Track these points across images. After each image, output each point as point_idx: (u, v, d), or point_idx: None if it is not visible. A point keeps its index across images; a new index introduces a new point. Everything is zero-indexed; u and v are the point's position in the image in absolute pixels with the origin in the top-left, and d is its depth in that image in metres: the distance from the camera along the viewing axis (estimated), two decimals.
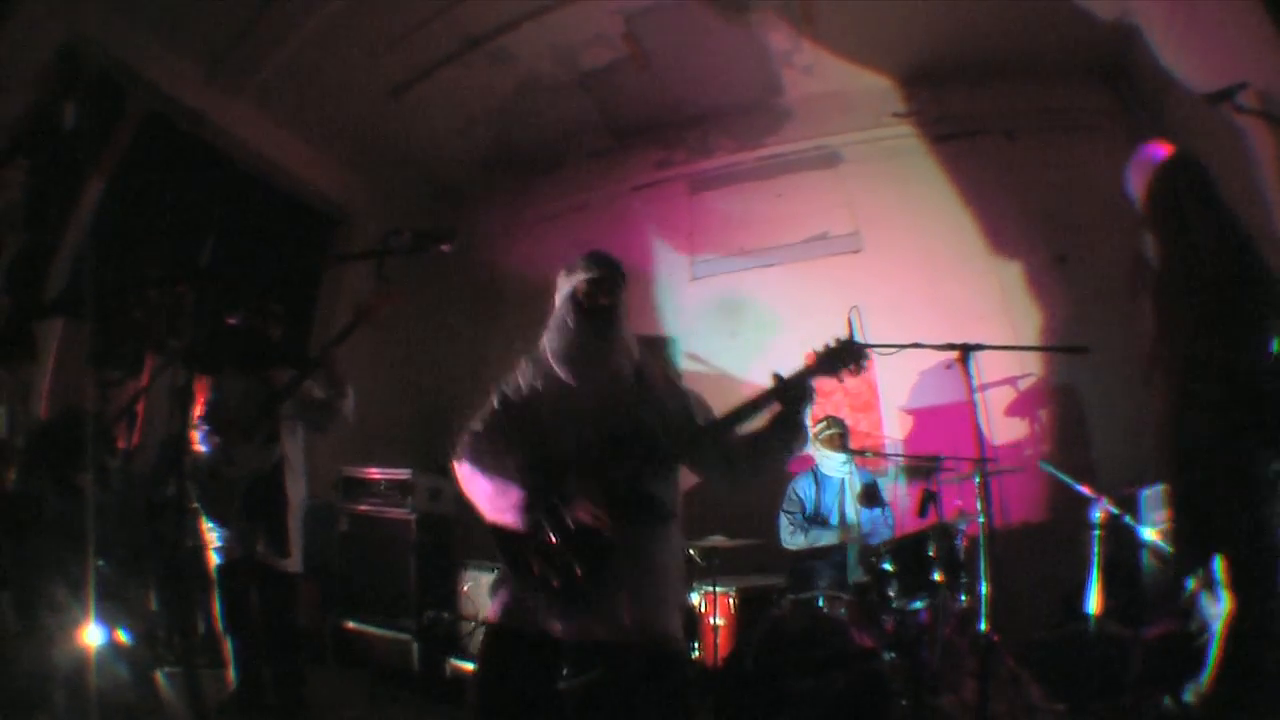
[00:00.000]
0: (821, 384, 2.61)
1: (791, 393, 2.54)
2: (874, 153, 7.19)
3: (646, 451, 2.44)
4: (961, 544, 4.50)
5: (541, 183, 8.52)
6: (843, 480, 5.45)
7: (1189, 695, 2.98)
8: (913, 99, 7.06)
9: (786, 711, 3.90)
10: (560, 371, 2.64)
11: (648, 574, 2.42)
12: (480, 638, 4.89)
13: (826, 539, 5.28)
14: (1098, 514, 4.37)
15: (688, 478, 2.69)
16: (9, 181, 4.57)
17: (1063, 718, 3.93)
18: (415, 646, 5.51)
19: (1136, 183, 3.36)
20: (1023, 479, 5.47)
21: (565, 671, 2.37)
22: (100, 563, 3.53)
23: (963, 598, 4.51)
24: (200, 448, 4.32)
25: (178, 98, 6.19)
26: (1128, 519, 4.28)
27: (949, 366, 4.23)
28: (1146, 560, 4.37)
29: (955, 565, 4.44)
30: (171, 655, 4.40)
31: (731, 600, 4.76)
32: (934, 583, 4.39)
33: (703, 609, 4.79)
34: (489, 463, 2.51)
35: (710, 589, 4.73)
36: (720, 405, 2.73)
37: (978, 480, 4.06)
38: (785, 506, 5.50)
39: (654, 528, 2.47)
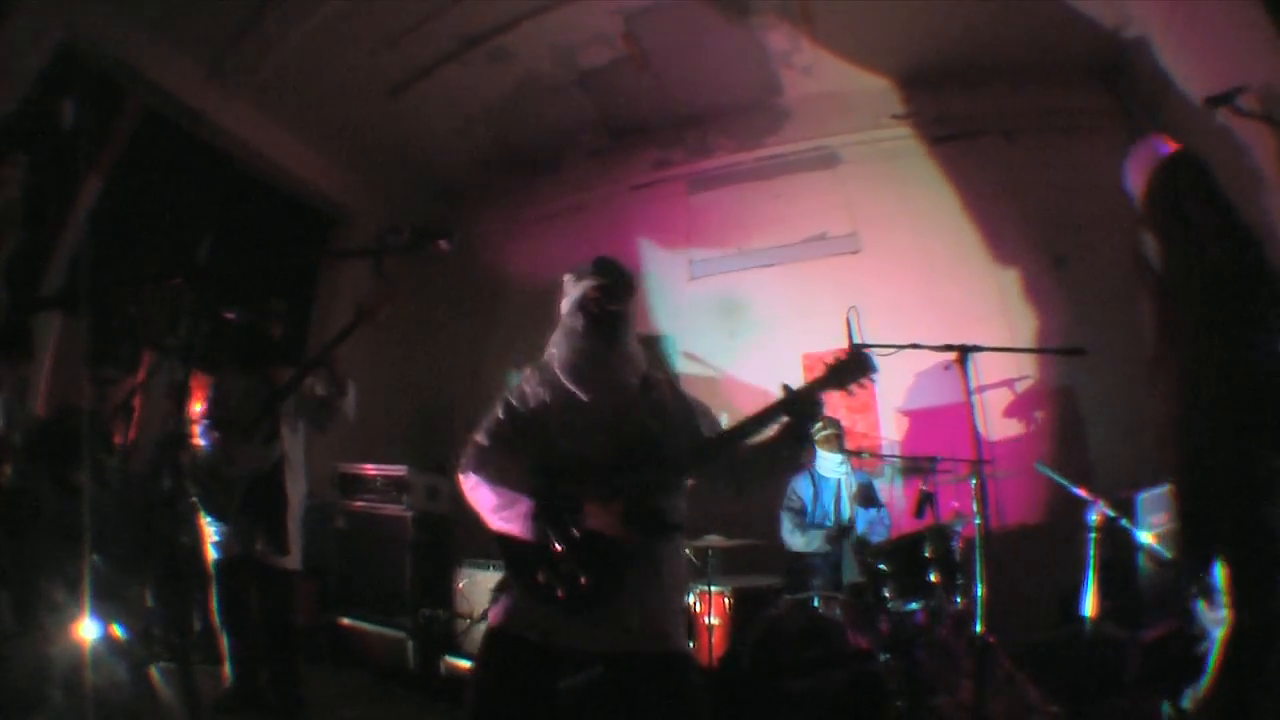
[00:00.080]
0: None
1: (800, 406, 2.48)
2: (873, 154, 7.20)
3: (654, 463, 2.42)
4: (958, 545, 4.51)
5: (540, 182, 8.52)
6: (839, 481, 5.45)
7: (1187, 701, 2.96)
8: (912, 100, 7.07)
9: (782, 712, 3.90)
10: (568, 381, 2.60)
11: (654, 584, 2.41)
12: (476, 635, 4.95)
13: (824, 539, 5.28)
14: (1094, 516, 4.37)
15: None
16: (7, 179, 4.55)
17: (1058, 719, 3.93)
18: (411, 644, 5.51)
19: (1135, 178, 3.35)
20: (1019, 481, 5.48)
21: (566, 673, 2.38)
22: (96, 559, 3.52)
23: (959, 599, 4.51)
24: (200, 444, 4.32)
25: (176, 96, 6.20)
26: (1124, 521, 4.28)
27: (947, 367, 4.22)
28: (1143, 563, 4.38)
29: (952, 566, 4.45)
30: (168, 652, 4.39)
31: (727, 600, 4.75)
32: (930, 584, 4.40)
33: (698, 608, 4.79)
34: (494, 473, 2.47)
35: (706, 588, 4.73)
36: (717, 404, 2.74)
37: (974, 482, 4.06)
38: (786, 504, 5.50)
39: (662, 539, 2.44)
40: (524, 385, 2.72)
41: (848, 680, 3.93)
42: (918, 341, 3.92)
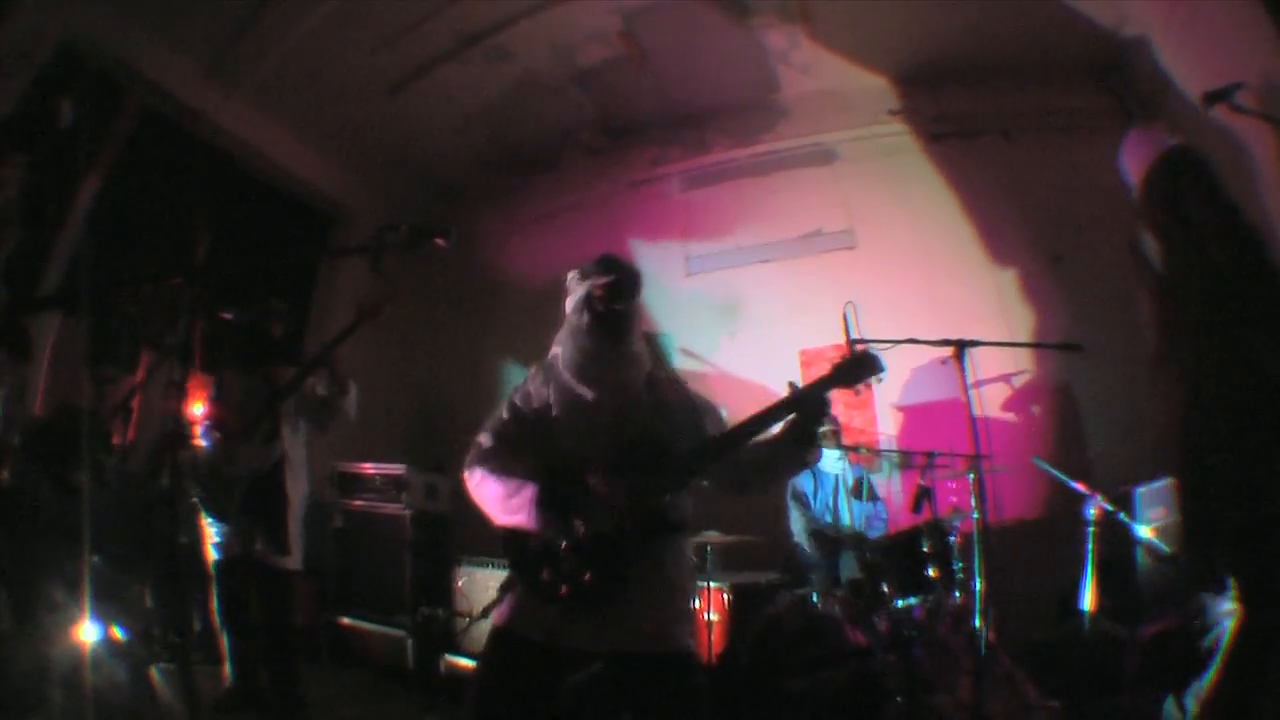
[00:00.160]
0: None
1: (807, 404, 2.45)
2: (870, 151, 7.20)
3: (658, 463, 2.40)
4: (955, 541, 4.52)
5: (538, 180, 8.52)
6: (837, 476, 5.46)
7: (1190, 699, 2.95)
8: (910, 98, 7.07)
9: (781, 709, 3.91)
10: (572, 380, 2.61)
11: (659, 584, 2.40)
12: (476, 633, 4.95)
13: (825, 533, 5.29)
14: (1093, 511, 4.38)
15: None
16: (6, 179, 4.55)
17: (1058, 716, 3.93)
18: (410, 643, 5.51)
19: (1131, 166, 3.34)
20: (1017, 476, 5.47)
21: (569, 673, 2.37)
22: (96, 559, 3.52)
23: (957, 594, 4.52)
24: (201, 444, 4.32)
25: (175, 95, 6.19)
26: (1123, 516, 4.28)
27: (944, 363, 4.22)
28: (1142, 558, 4.38)
29: (950, 562, 4.45)
30: (167, 652, 4.40)
31: (726, 596, 4.76)
32: (929, 579, 4.40)
33: (697, 604, 4.79)
34: (498, 467, 2.49)
35: (705, 584, 4.73)
36: (715, 401, 2.73)
37: (972, 477, 4.06)
38: (790, 495, 5.50)
39: (666, 538, 2.43)
40: (528, 384, 2.72)
41: (846, 677, 3.93)
42: (914, 337, 3.92)
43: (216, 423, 4.37)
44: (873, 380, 2.45)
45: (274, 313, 4.67)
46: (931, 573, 4.39)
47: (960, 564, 4.45)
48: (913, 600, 4.51)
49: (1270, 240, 3.35)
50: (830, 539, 5.20)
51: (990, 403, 6.11)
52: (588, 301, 2.59)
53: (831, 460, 5.42)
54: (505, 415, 2.67)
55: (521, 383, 2.75)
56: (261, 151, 7.13)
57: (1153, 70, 5.69)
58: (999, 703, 3.94)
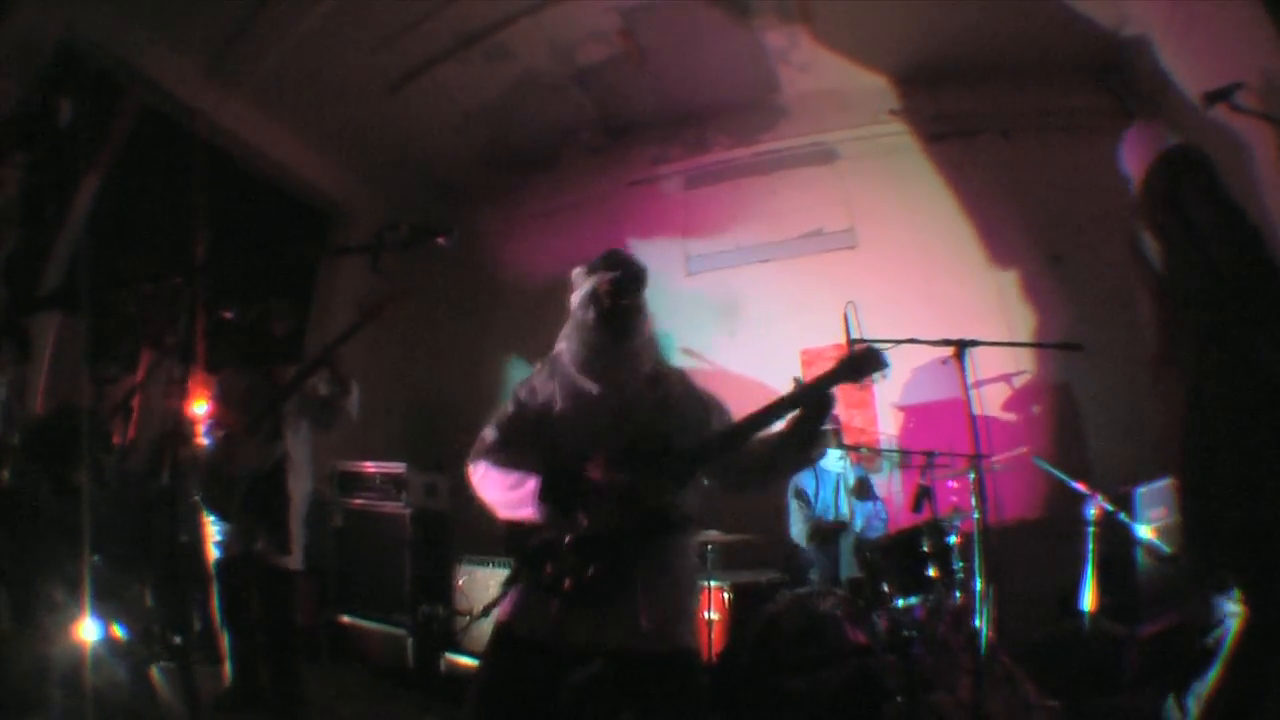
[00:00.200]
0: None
1: (811, 400, 2.44)
2: (870, 150, 7.19)
3: (661, 459, 2.40)
4: (956, 540, 4.52)
5: (538, 179, 8.51)
6: (839, 475, 5.46)
7: (1191, 700, 2.93)
8: (910, 98, 7.06)
9: (782, 708, 3.91)
10: (577, 375, 2.61)
11: (663, 580, 2.39)
12: (476, 632, 4.95)
13: (826, 531, 5.29)
14: (1093, 511, 4.38)
15: None
16: (6, 177, 4.55)
17: (1057, 715, 3.93)
18: (410, 642, 5.52)
19: (1131, 162, 3.33)
20: (1017, 476, 5.47)
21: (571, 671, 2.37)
22: (96, 558, 3.53)
23: (957, 594, 4.52)
24: (203, 442, 4.33)
25: (175, 94, 6.19)
26: (1123, 516, 4.28)
27: (945, 362, 4.22)
28: (1141, 558, 4.38)
29: (950, 561, 4.45)
30: (167, 651, 4.40)
31: (726, 595, 4.75)
32: (929, 579, 4.40)
33: (698, 604, 4.79)
34: (502, 461, 2.50)
35: (705, 583, 4.73)
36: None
37: (973, 476, 4.06)
38: (792, 494, 5.51)
39: (669, 534, 2.43)
40: (533, 379, 2.73)
41: (846, 676, 3.93)
42: (915, 337, 3.92)
43: (219, 421, 4.37)
44: (877, 376, 2.45)
45: (276, 312, 4.68)
46: (932, 572, 4.39)
47: (960, 563, 4.45)
48: (913, 600, 4.51)
49: (1271, 240, 3.34)
50: (831, 530, 5.22)
51: (991, 402, 6.11)
52: (593, 297, 2.58)
53: (833, 460, 5.42)
54: (510, 410, 2.67)
55: (527, 378, 2.76)
56: (261, 151, 7.14)
57: (1153, 70, 5.68)
58: (999, 702, 3.94)
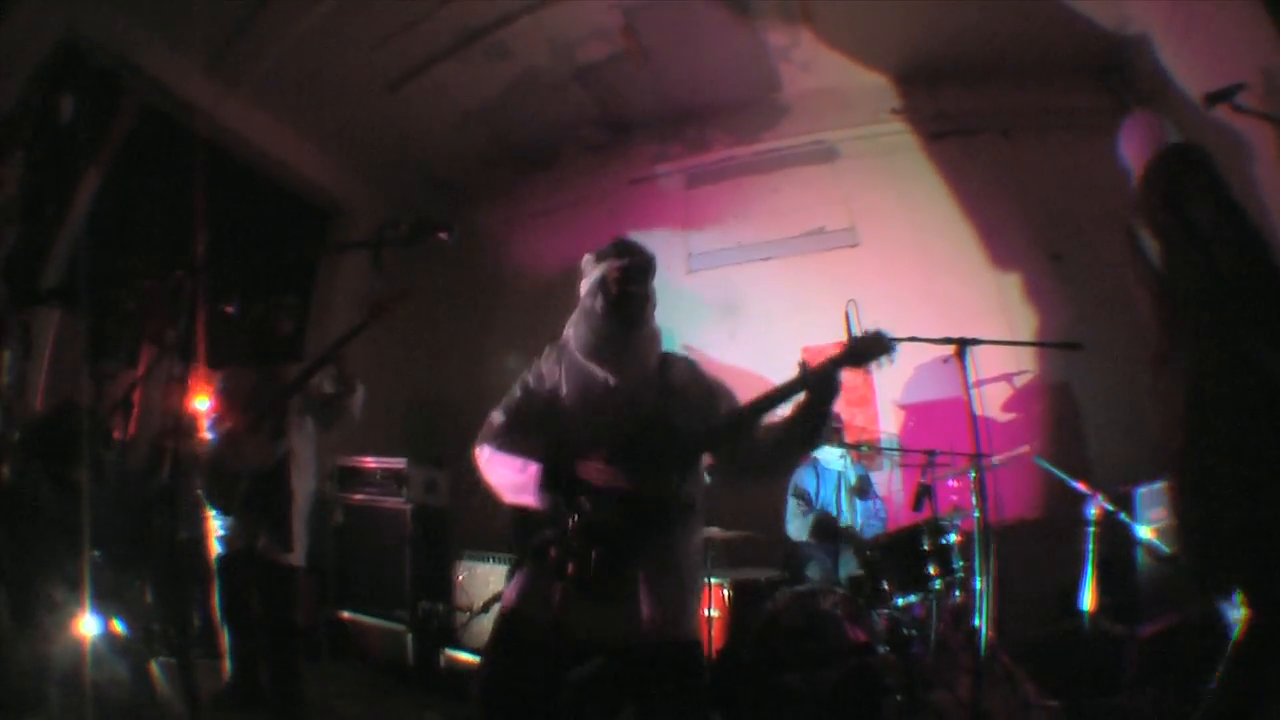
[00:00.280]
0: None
1: (817, 384, 2.42)
2: (871, 149, 7.19)
3: (666, 441, 2.41)
4: (956, 539, 4.52)
5: (539, 177, 8.51)
6: (839, 474, 5.46)
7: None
8: (910, 96, 7.06)
9: (781, 705, 3.91)
10: (585, 361, 2.62)
11: (666, 567, 2.40)
12: (476, 628, 4.96)
13: (826, 527, 5.29)
14: (1093, 511, 4.38)
15: None
16: (6, 175, 4.55)
17: (1057, 714, 3.94)
18: (410, 638, 5.51)
19: (1130, 153, 3.31)
20: (1018, 475, 5.47)
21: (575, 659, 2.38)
22: (96, 554, 3.53)
23: (957, 593, 4.52)
24: (207, 438, 4.32)
25: (175, 92, 6.19)
26: (1123, 516, 4.28)
27: (946, 361, 4.21)
28: (1141, 557, 4.38)
29: (950, 560, 4.45)
30: (167, 648, 4.40)
31: (726, 592, 4.75)
32: (928, 577, 4.40)
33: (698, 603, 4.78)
34: (508, 445, 2.51)
35: (706, 581, 4.73)
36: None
37: (973, 475, 4.06)
38: (791, 493, 5.50)
39: (673, 519, 2.43)
40: (542, 365, 2.74)
41: (846, 674, 3.94)
42: (916, 335, 3.91)
43: (222, 417, 4.37)
44: (883, 360, 2.43)
45: (282, 309, 4.67)
46: (932, 571, 4.39)
47: (960, 562, 4.46)
48: (913, 598, 4.52)
49: (1272, 240, 3.33)
50: (832, 529, 5.21)
51: (991, 402, 6.11)
52: (602, 284, 2.60)
53: (834, 458, 5.42)
54: (518, 394, 2.69)
55: (535, 362, 2.77)
56: (261, 149, 7.15)
57: (1153, 69, 5.68)
58: (998, 701, 3.95)
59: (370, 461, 6.24)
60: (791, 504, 5.43)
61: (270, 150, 7.23)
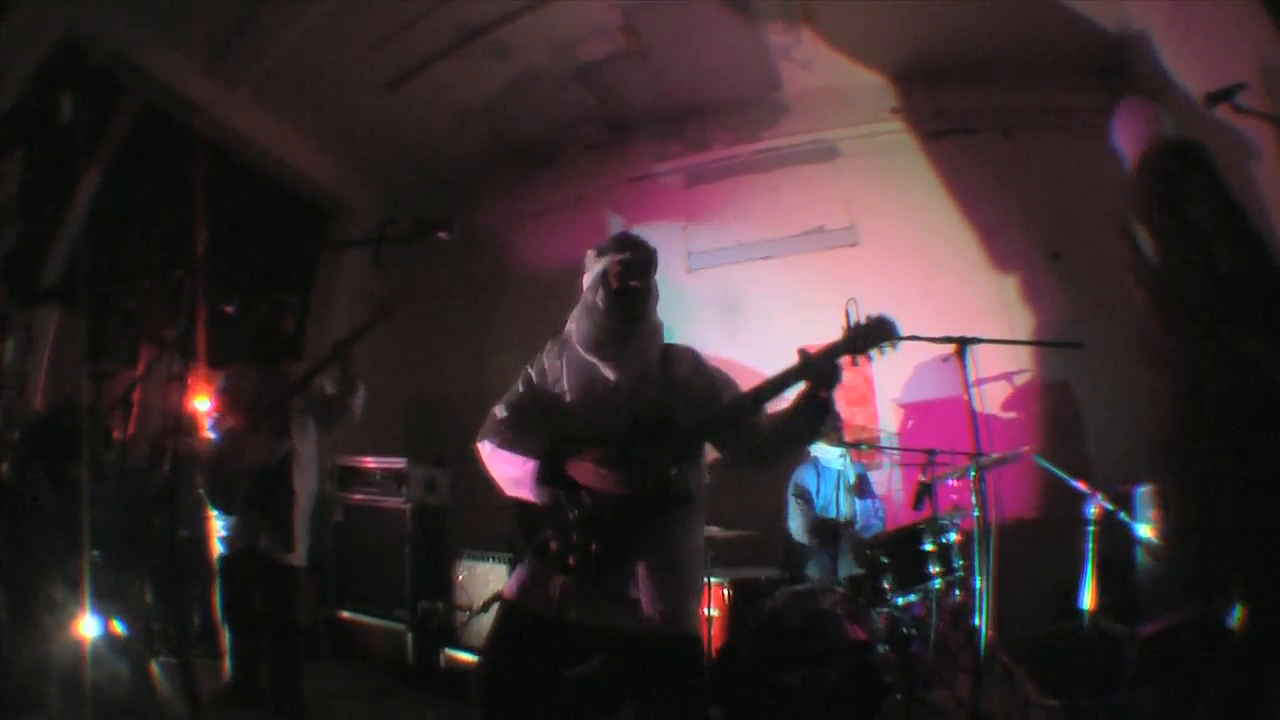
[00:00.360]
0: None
1: (817, 371, 2.41)
2: (871, 147, 7.18)
3: (666, 430, 2.42)
4: (956, 538, 4.52)
5: (538, 176, 8.50)
6: (839, 473, 5.46)
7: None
8: (910, 95, 7.05)
9: (781, 704, 3.91)
10: (587, 356, 2.63)
11: (666, 560, 2.41)
12: (476, 627, 4.96)
13: (826, 529, 5.29)
14: (1092, 510, 4.38)
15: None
16: (6, 174, 4.55)
17: (1056, 714, 3.94)
18: (410, 637, 5.52)
19: (1125, 142, 3.29)
20: (1018, 474, 5.47)
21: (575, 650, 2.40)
22: (96, 553, 3.53)
23: (957, 592, 4.52)
24: (209, 437, 4.32)
25: (175, 90, 6.18)
26: (1123, 515, 4.28)
27: (946, 360, 4.22)
28: (1141, 557, 4.38)
29: (950, 559, 4.45)
30: (167, 647, 4.40)
31: (726, 591, 4.75)
32: (928, 576, 4.40)
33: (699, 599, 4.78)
34: (508, 439, 2.53)
35: (705, 580, 4.72)
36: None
37: (973, 474, 4.06)
38: (792, 492, 5.51)
39: (674, 510, 2.43)
40: (544, 359, 2.76)
41: (846, 673, 3.94)
42: (916, 334, 3.91)
43: (224, 416, 4.37)
44: (886, 347, 2.41)
45: (285, 307, 4.67)
46: (932, 570, 4.40)
47: (960, 561, 4.46)
48: (912, 597, 4.52)
49: (1272, 240, 3.32)
50: (832, 531, 5.22)
51: (991, 401, 6.11)
52: (603, 279, 2.61)
53: (833, 457, 5.42)
54: (520, 389, 2.72)
55: (537, 357, 2.79)
56: (261, 147, 7.15)
57: (1153, 69, 5.67)
58: (998, 701, 3.95)
59: (370, 461, 6.24)
60: (792, 503, 5.43)
61: (270, 149, 7.23)
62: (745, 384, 2.57)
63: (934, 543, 4.43)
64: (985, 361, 5.46)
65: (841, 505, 5.38)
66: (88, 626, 3.30)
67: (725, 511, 4.78)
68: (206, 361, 4.37)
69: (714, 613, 4.70)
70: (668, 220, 7.76)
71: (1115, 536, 4.36)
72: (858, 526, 5.32)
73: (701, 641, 2.61)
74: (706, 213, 7.71)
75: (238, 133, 6.84)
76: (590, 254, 2.71)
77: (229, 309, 4.48)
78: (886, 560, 4.49)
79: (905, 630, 4.39)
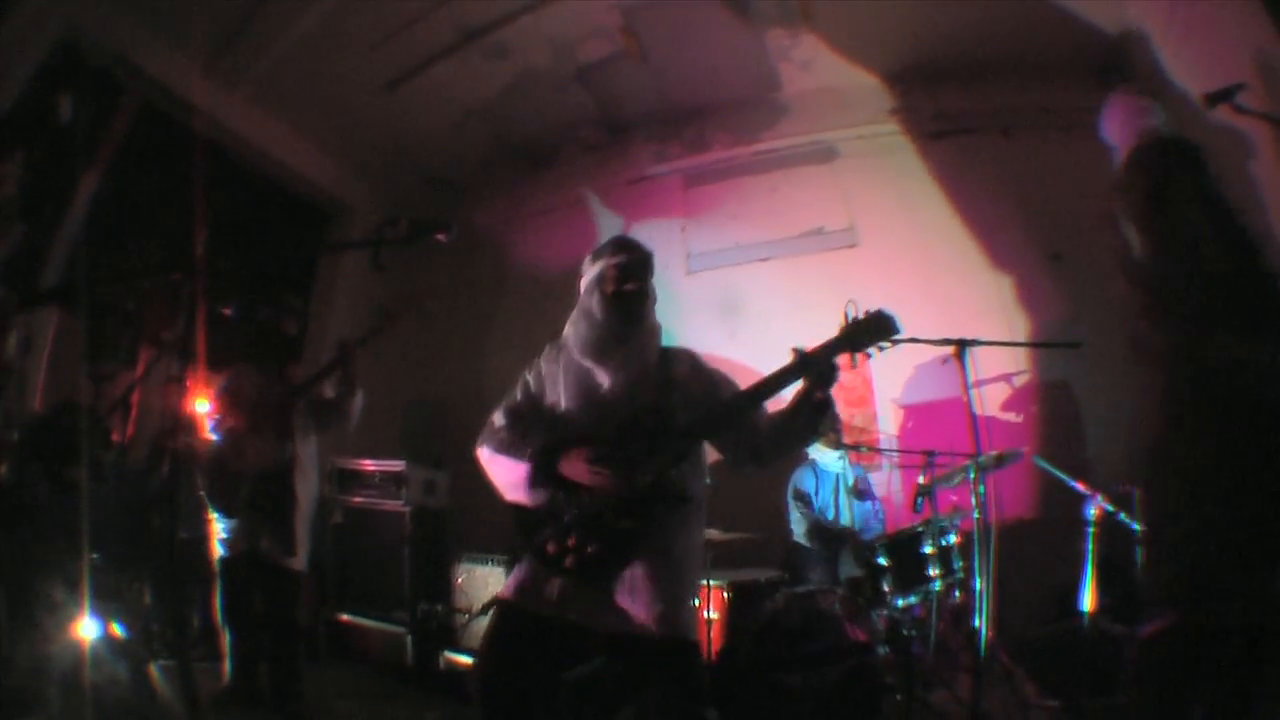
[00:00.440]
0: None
1: (814, 368, 2.41)
2: (871, 148, 7.18)
3: (664, 429, 2.41)
4: (955, 539, 4.52)
5: (538, 176, 8.50)
6: (838, 475, 5.46)
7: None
8: (910, 96, 7.05)
9: (781, 705, 3.91)
10: (583, 359, 2.63)
11: (663, 561, 2.40)
12: (475, 629, 4.95)
13: (826, 531, 5.29)
14: (1092, 511, 4.38)
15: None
16: (6, 174, 4.55)
17: (1056, 714, 3.94)
18: (409, 639, 5.51)
19: (1113, 129, 3.29)
20: (1017, 475, 5.47)
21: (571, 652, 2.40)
22: (95, 556, 3.52)
23: (957, 593, 4.52)
24: (211, 438, 4.31)
25: (174, 91, 6.18)
26: (1122, 516, 4.28)
27: (945, 361, 4.21)
28: (1141, 557, 4.38)
29: (950, 560, 4.45)
30: (167, 649, 4.39)
31: (725, 594, 4.75)
32: (928, 578, 4.40)
33: (695, 602, 4.77)
34: (504, 444, 2.53)
35: (705, 582, 4.72)
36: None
37: (973, 476, 4.06)
38: (791, 495, 5.50)
39: (671, 510, 2.42)
40: (542, 363, 2.76)
41: (846, 674, 3.93)
42: (915, 335, 3.91)
43: (225, 418, 4.36)
44: (884, 344, 2.41)
45: (287, 310, 4.67)
46: (932, 571, 4.39)
47: (960, 563, 4.46)
48: (912, 599, 4.52)
49: (1269, 240, 3.30)
50: (832, 535, 5.21)
51: (991, 402, 6.11)
52: (600, 282, 2.63)
53: (831, 458, 5.42)
54: (518, 393, 2.73)
55: (535, 361, 2.80)
56: (261, 148, 7.15)
57: (1153, 69, 5.67)
58: (998, 701, 3.94)
59: (369, 464, 6.23)
60: (791, 507, 5.43)
61: (270, 149, 7.23)
62: (745, 385, 2.56)
63: (934, 544, 4.43)
64: (985, 362, 5.45)
65: (841, 508, 5.38)
66: (87, 628, 3.30)
67: (725, 513, 4.77)
68: (205, 363, 4.38)
69: (713, 615, 4.70)
70: (667, 221, 7.76)
71: (1115, 537, 4.35)
72: (858, 528, 5.31)
73: (699, 645, 2.61)
74: (706, 214, 7.71)
75: (237, 133, 6.84)
76: (587, 259, 2.72)
77: (227, 312, 4.48)
78: (886, 562, 4.49)
79: (905, 631, 4.39)
